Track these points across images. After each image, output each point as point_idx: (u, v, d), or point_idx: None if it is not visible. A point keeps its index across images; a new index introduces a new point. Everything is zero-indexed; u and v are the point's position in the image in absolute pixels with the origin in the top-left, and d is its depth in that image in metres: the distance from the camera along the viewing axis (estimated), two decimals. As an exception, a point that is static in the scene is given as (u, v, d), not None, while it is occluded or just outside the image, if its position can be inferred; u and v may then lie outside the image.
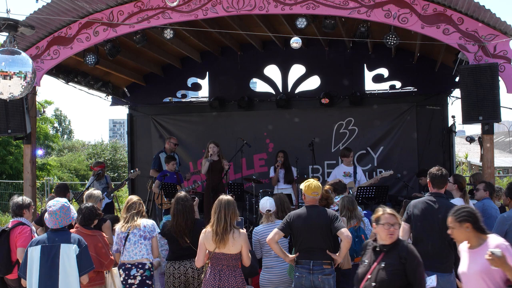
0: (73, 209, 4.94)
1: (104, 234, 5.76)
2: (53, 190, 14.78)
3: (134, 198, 6.05)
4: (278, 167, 9.55)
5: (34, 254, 4.64)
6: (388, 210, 4.28)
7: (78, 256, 4.62)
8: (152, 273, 5.70)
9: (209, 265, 5.16)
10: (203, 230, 5.23)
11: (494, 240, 3.87)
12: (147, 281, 5.66)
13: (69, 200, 5.33)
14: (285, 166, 9.59)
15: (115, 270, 5.37)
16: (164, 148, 10.40)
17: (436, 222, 4.91)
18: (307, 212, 5.27)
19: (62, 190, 7.16)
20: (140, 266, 5.65)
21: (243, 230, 5.19)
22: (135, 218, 5.81)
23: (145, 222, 5.84)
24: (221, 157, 9.41)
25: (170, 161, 9.65)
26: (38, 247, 4.64)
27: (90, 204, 5.69)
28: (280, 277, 5.80)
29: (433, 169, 5.22)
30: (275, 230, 5.27)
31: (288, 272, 5.67)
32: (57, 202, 4.80)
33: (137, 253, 5.68)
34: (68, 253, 4.60)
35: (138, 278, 5.60)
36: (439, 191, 5.11)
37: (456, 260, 4.93)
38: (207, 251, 5.15)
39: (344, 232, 5.06)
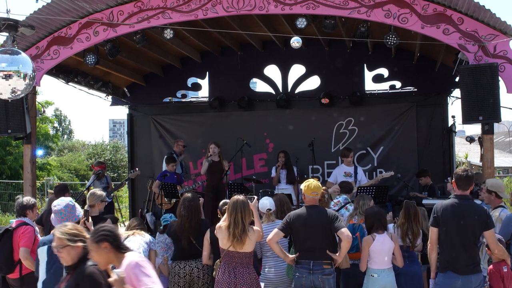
0: (78, 208, 4.96)
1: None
2: (49, 190, 14.71)
3: (135, 221, 6.19)
4: (279, 167, 9.56)
5: (42, 255, 4.64)
6: (57, 233, 3.74)
7: None
8: None
9: (221, 263, 5.16)
10: (217, 226, 5.25)
11: (129, 257, 3.58)
12: None
13: (68, 200, 5.32)
14: (287, 166, 9.60)
15: None
16: (174, 151, 10.45)
17: (464, 224, 4.84)
18: (307, 212, 5.27)
19: (61, 190, 7.14)
20: None
21: (256, 227, 5.21)
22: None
23: (148, 236, 5.91)
24: (222, 158, 9.43)
25: (170, 162, 9.68)
26: (45, 248, 4.62)
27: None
28: (280, 277, 5.79)
29: (459, 170, 5.00)
30: (275, 230, 5.27)
31: (286, 272, 5.67)
32: (62, 201, 4.85)
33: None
34: None
35: None
36: (464, 193, 4.96)
37: None
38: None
39: (344, 232, 5.06)
